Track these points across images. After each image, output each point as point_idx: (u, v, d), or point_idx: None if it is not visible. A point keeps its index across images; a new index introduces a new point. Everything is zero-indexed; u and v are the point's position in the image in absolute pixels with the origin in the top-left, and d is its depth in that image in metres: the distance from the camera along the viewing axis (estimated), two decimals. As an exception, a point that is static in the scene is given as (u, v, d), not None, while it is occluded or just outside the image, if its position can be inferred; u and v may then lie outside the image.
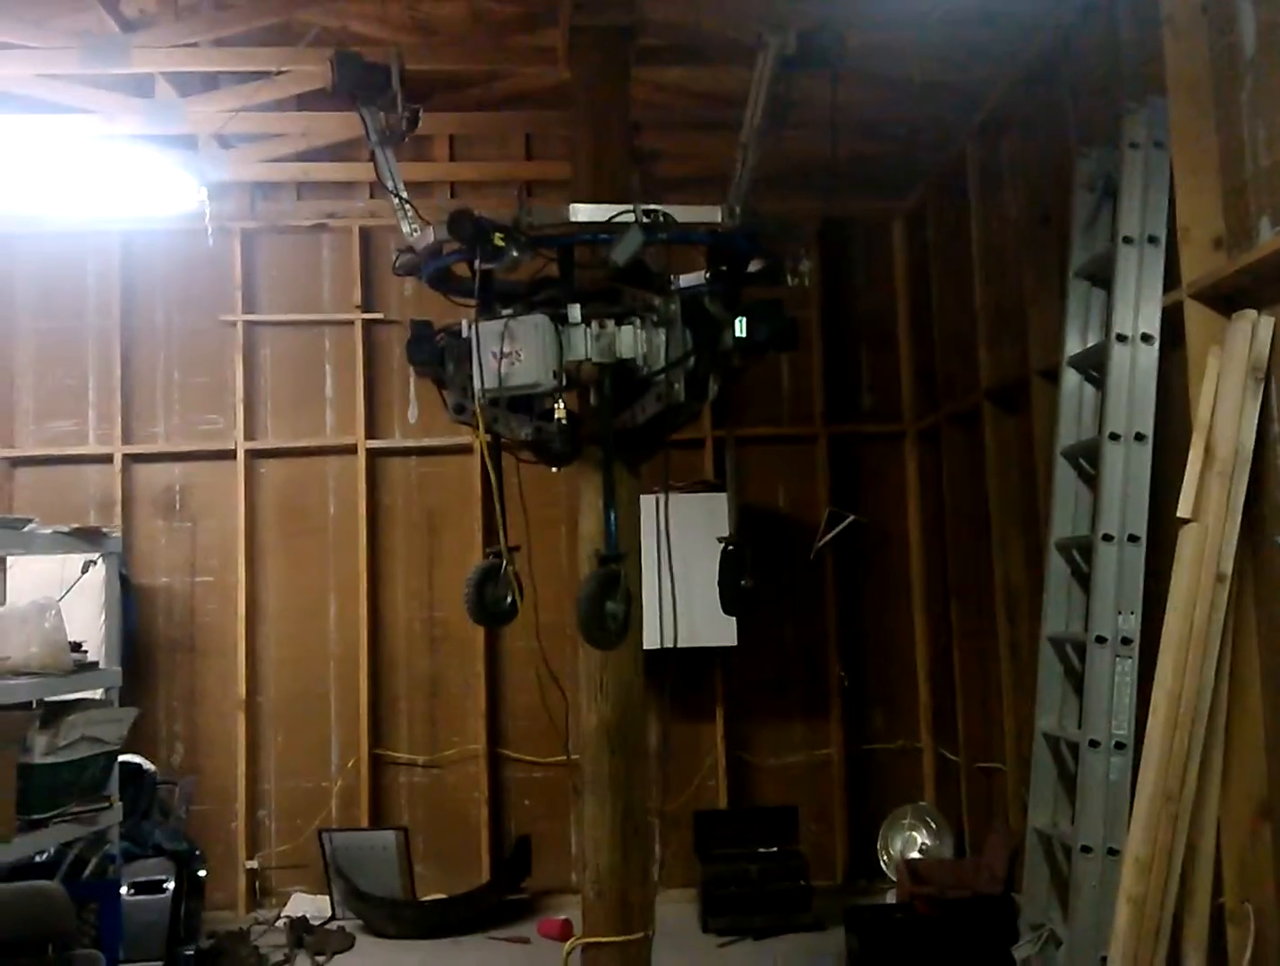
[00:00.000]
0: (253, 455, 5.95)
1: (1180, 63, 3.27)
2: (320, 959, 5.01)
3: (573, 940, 3.70)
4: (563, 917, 5.14)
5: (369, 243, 6.00)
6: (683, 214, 3.05)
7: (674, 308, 2.99)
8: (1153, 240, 3.42)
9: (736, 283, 3.20)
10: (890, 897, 5.27)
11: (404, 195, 3.32)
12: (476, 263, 2.93)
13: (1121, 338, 3.42)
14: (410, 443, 5.93)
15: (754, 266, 3.22)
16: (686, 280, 3.26)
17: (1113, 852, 3.22)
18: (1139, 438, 3.39)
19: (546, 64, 4.68)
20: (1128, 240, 3.44)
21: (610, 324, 2.96)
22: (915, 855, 5.55)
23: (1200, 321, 3.17)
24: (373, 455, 5.97)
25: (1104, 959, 3.08)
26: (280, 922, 5.37)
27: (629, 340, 2.97)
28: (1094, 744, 3.31)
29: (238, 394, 5.94)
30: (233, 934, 5.12)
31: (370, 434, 5.97)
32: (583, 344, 2.92)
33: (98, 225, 5.84)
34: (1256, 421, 3.01)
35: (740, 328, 3.03)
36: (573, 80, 4.09)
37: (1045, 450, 4.10)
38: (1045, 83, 4.35)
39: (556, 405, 2.93)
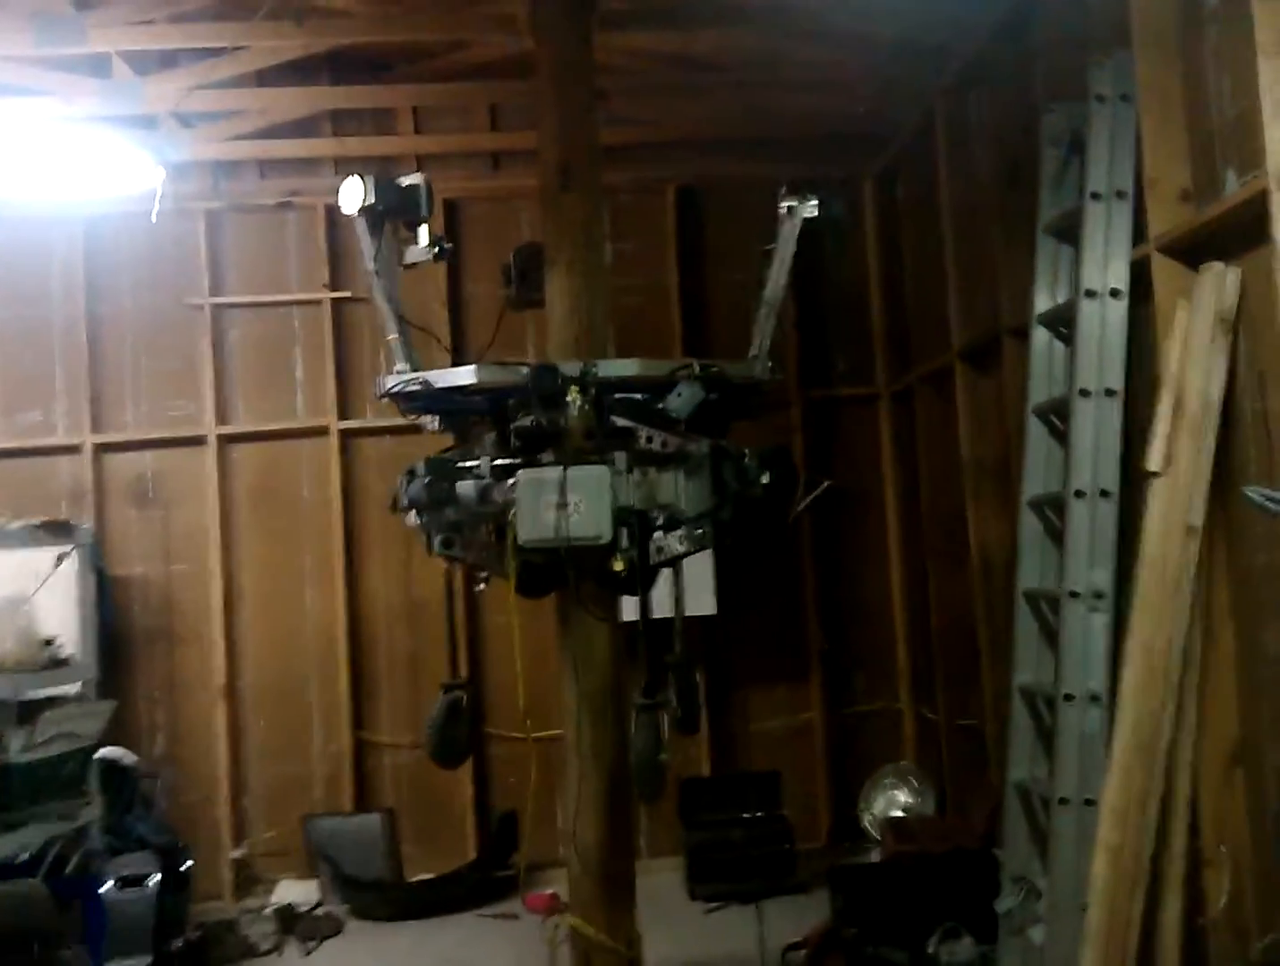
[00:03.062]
0: (224, 440, 5.89)
1: (1145, 15, 3.26)
2: (310, 944, 5.01)
3: (556, 918, 3.72)
4: (550, 891, 5.15)
5: (334, 220, 5.92)
6: (729, 367, 3.20)
7: (705, 454, 3.06)
8: (1120, 195, 3.42)
9: (728, 421, 3.30)
10: (874, 856, 5.32)
11: (406, 325, 3.31)
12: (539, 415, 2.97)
13: (1090, 293, 3.42)
14: (383, 422, 5.86)
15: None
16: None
17: (1090, 803, 3.25)
18: (1109, 393, 3.40)
19: (509, 32, 4.62)
20: (1095, 195, 3.43)
21: (652, 470, 3.03)
22: (897, 814, 5.59)
23: (1168, 275, 3.18)
24: (345, 436, 5.92)
25: (1084, 907, 3.12)
26: (268, 910, 5.34)
27: (669, 486, 3.03)
28: (1069, 697, 3.34)
29: (207, 378, 5.88)
30: (221, 924, 5.11)
31: (342, 414, 5.92)
32: (626, 491, 2.97)
33: (60, 210, 5.74)
34: (1224, 373, 3.02)
35: (767, 476, 3.11)
36: (536, 49, 4.04)
37: (1017, 409, 4.11)
38: (1014, 39, 4.32)
39: (615, 559, 2.94)
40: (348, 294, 5.92)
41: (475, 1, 4.56)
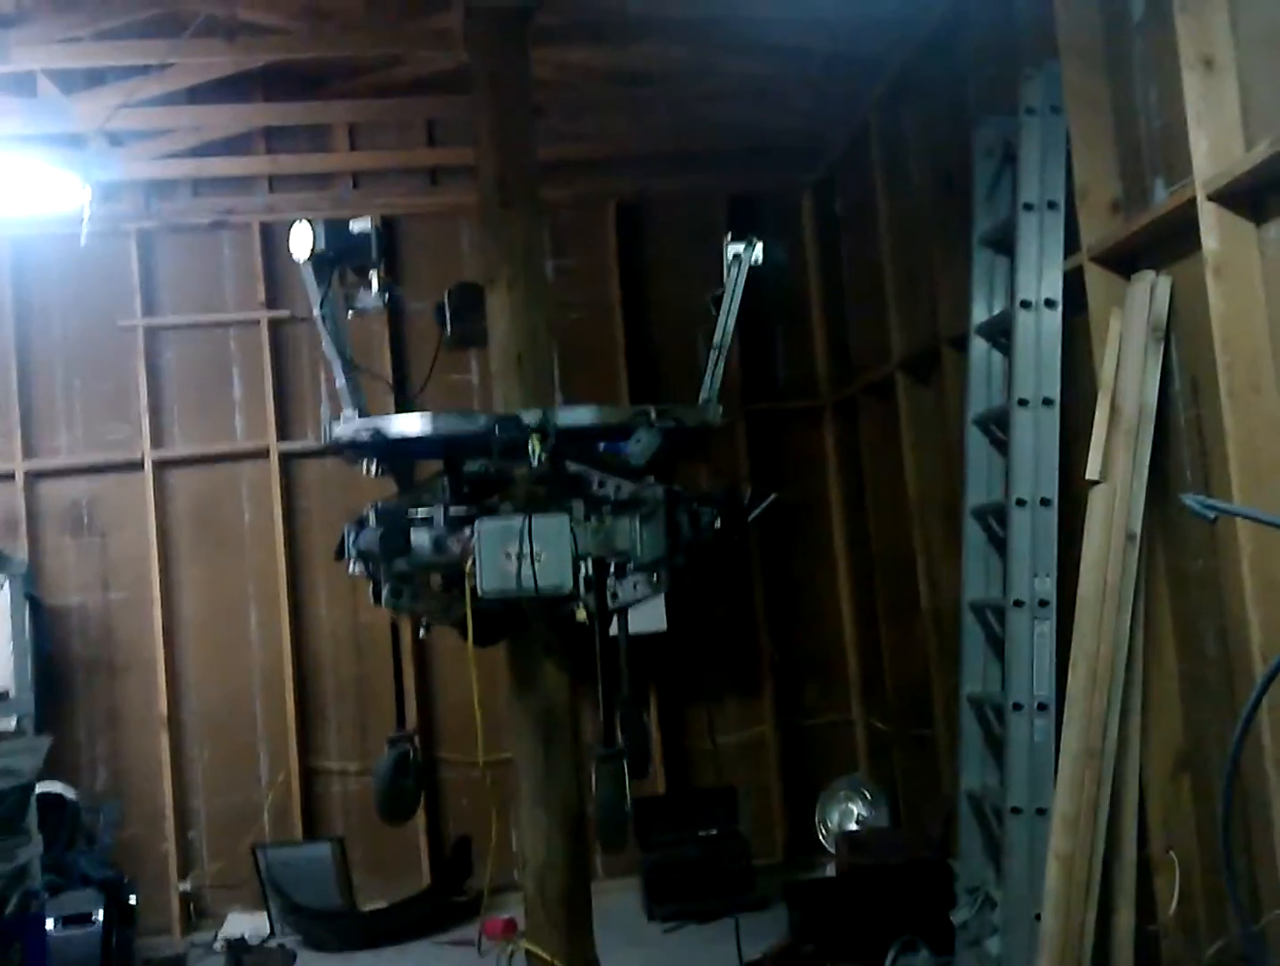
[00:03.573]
0: (161, 465, 5.76)
1: (1072, 27, 3.30)
2: (261, 977, 4.92)
3: (510, 944, 3.68)
4: (506, 916, 5.08)
5: (270, 238, 5.82)
6: (684, 413, 3.24)
7: (660, 500, 3.07)
8: (1052, 205, 3.45)
9: (676, 462, 3.33)
10: (830, 870, 5.31)
11: (354, 369, 3.26)
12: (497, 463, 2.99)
13: (1025, 304, 3.45)
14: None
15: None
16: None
17: (1041, 812, 3.26)
18: (1046, 402, 3.43)
19: (444, 47, 4.59)
20: (1028, 206, 3.47)
21: (608, 517, 3.02)
22: (852, 827, 5.59)
23: (1101, 284, 3.22)
24: (286, 458, 5.82)
25: (1038, 916, 3.12)
26: (218, 944, 5.21)
27: (625, 533, 3.02)
28: (1017, 706, 3.35)
29: (142, 402, 5.75)
30: (169, 959, 5.00)
31: (282, 436, 5.82)
32: (584, 539, 2.97)
33: (-15, 233, 5.62)
34: (1158, 380, 3.06)
35: (718, 521, 3.15)
36: (471, 63, 4.01)
37: (958, 419, 4.13)
38: (944, 51, 4.37)
39: (576, 608, 2.96)
40: (286, 313, 5.83)
41: (409, 16, 4.52)
